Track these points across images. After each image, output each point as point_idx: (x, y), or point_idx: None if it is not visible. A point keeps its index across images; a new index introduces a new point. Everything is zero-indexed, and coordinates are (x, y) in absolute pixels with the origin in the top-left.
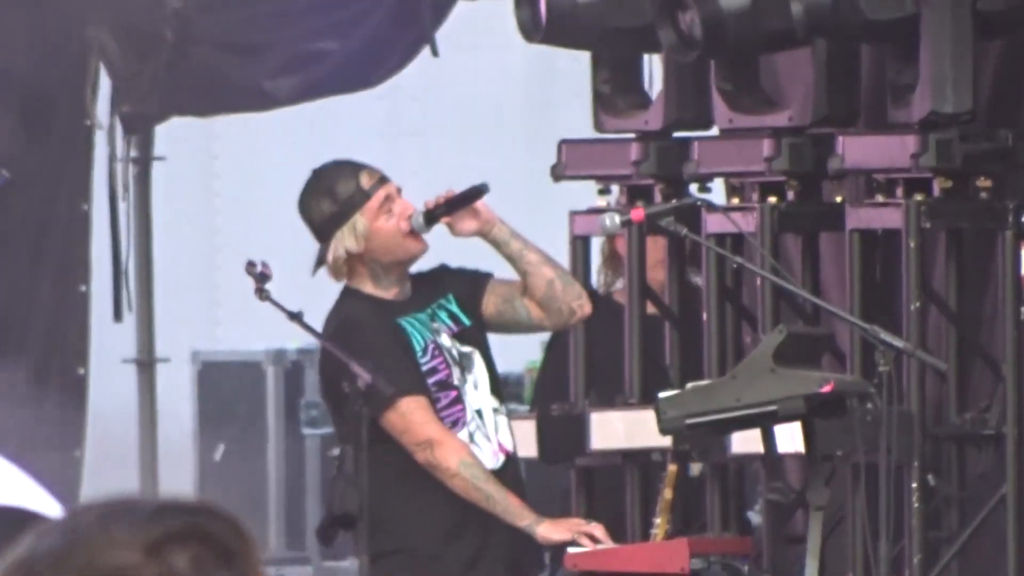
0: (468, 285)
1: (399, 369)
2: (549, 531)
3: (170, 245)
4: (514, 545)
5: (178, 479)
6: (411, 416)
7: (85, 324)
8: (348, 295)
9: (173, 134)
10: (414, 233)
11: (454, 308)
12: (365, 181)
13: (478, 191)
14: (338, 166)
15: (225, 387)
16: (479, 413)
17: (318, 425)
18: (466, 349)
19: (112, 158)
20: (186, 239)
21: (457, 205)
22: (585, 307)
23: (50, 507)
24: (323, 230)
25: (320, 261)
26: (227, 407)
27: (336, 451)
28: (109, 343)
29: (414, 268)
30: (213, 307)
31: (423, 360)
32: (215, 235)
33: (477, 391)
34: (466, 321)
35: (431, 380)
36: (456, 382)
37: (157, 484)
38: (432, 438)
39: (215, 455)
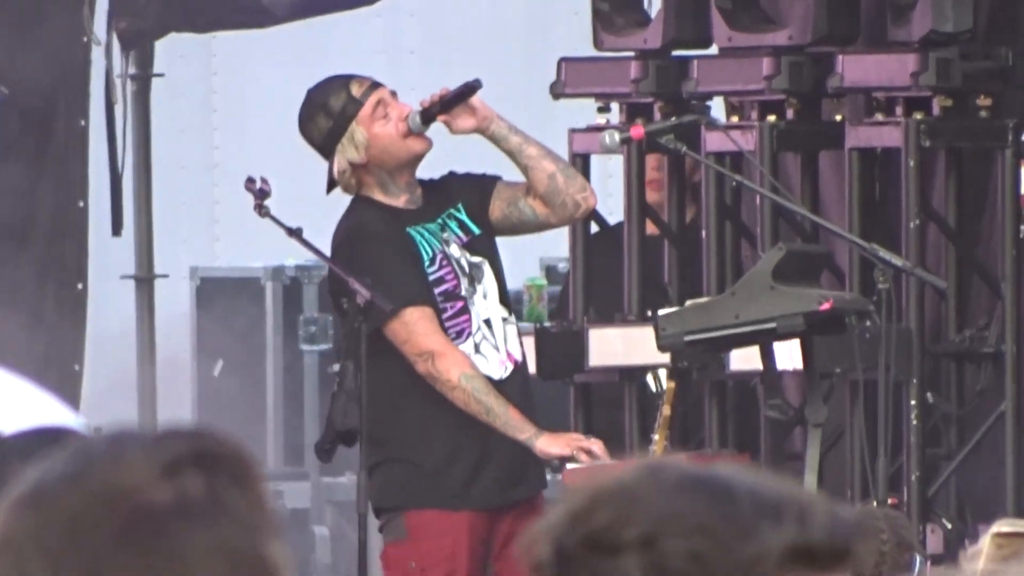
0: (476, 192)
1: (405, 278)
2: (547, 445)
3: (169, 162)
4: (515, 462)
5: (176, 395)
6: (414, 326)
7: (84, 239)
8: (359, 202)
9: (172, 51)
10: (413, 133)
11: (464, 217)
12: (356, 90)
13: (471, 87)
14: (328, 81)
15: (224, 303)
16: (488, 323)
17: (316, 341)
18: (476, 259)
19: (110, 74)
20: (185, 156)
21: (452, 103)
22: (590, 199)
23: (74, 421)
24: (325, 146)
25: (331, 180)
26: (226, 323)
27: (336, 367)
28: (108, 259)
29: (424, 175)
30: (211, 224)
31: (431, 270)
32: (213, 151)
33: (486, 301)
34: (476, 230)
35: (438, 290)
36: (464, 292)
37: (155, 400)
38: (433, 349)
39: (214, 371)
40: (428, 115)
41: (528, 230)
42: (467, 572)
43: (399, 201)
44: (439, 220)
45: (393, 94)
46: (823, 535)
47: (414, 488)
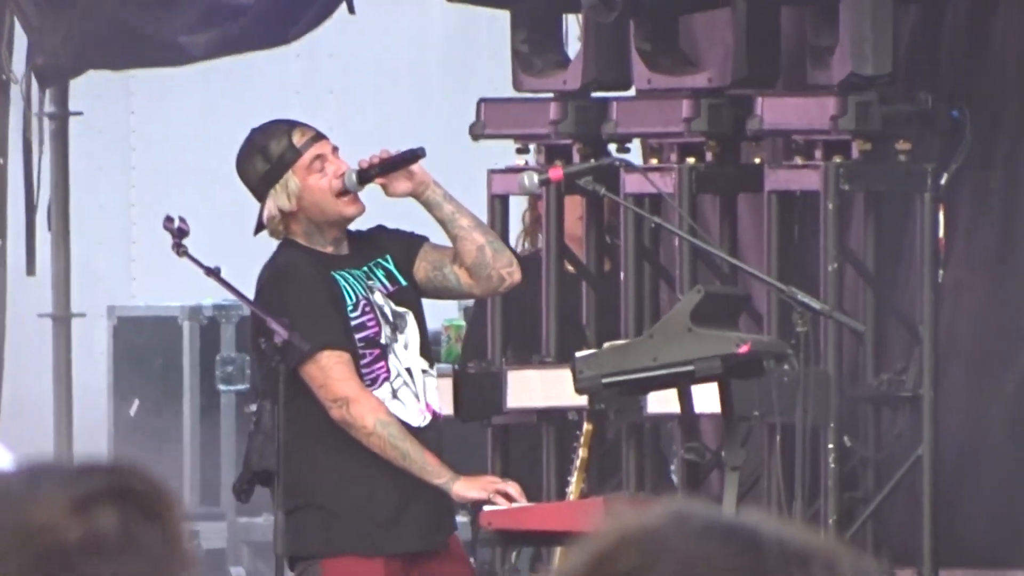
0: (403, 247)
1: (325, 321)
2: (464, 489)
3: (87, 200)
4: (432, 507)
5: (93, 434)
6: (330, 371)
7: (2, 278)
8: (286, 245)
9: (90, 89)
10: (347, 192)
11: (391, 267)
12: (297, 138)
13: (415, 155)
14: (272, 124)
15: (141, 342)
16: (409, 371)
17: (233, 382)
18: (400, 309)
19: (27, 112)
20: (102, 195)
21: (392, 167)
22: (515, 275)
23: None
24: (258, 189)
25: (260, 223)
26: (142, 362)
27: (254, 407)
28: (25, 298)
29: (353, 226)
30: (129, 262)
31: (353, 315)
32: (131, 190)
33: (407, 351)
34: (402, 281)
35: (358, 335)
36: (384, 340)
37: (72, 439)
38: (348, 395)
39: (130, 410)
40: (365, 176)
41: (450, 296)
42: None
43: (326, 249)
44: (366, 268)
45: (335, 149)
46: None
47: (330, 535)
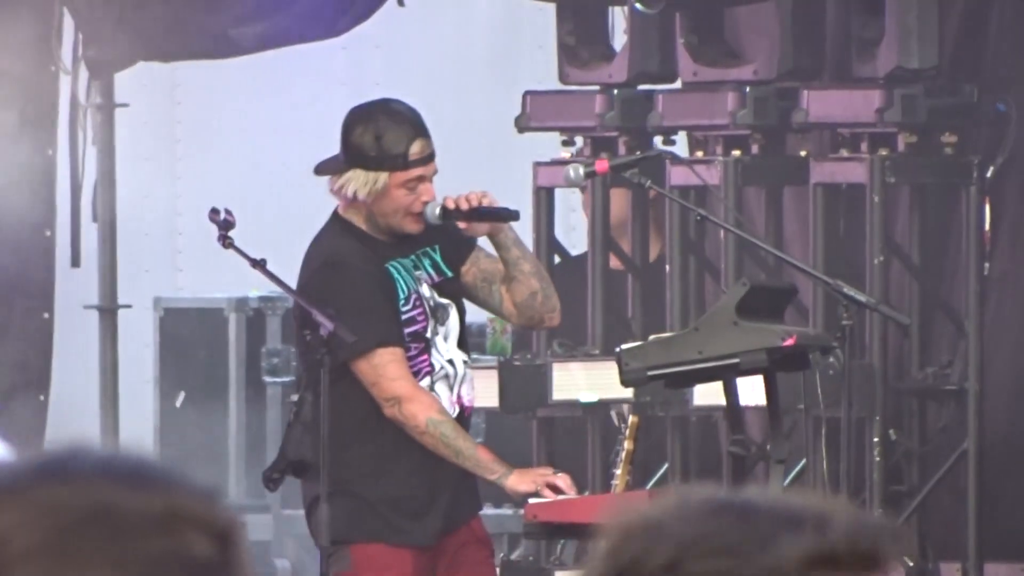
0: (454, 243)
1: (379, 317)
2: (517, 483)
3: (132, 192)
4: (458, 498)
5: (138, 426)
6: (382, 369)
7: (51, 268)
8: (338, 224)
9: (136, 81)
10: (418, 215)
11: (438, 258)
12: (414, 150)
13: (510, 216)
14: (403, 117)
15: (186, 334)
16: (450, 363)
17: (279, 373)
18: (444, 301)
19: (75, 104)
20: (149, 186)
21: (479, 218)
22: (555, 320)
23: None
24: (351, 156)
25: (328, 170)
26: (188, 354)
27: (295, 397)
28: (71, 289)
29: None
30: (175, 254)
31: (404, 308)
32: (177, 181)
33: (447, 343)
34: (448, 272)
35: (408, 330)
36: (428, 334)
37: (118, 431)
38: (400, 394)
39: (176, 402)
40: (448, 215)
41: (486, 309)
42: None
43: (379, 236)
44: (413, 256)
45: (434, 173)
46: (845, 540)
47: (360, 522)
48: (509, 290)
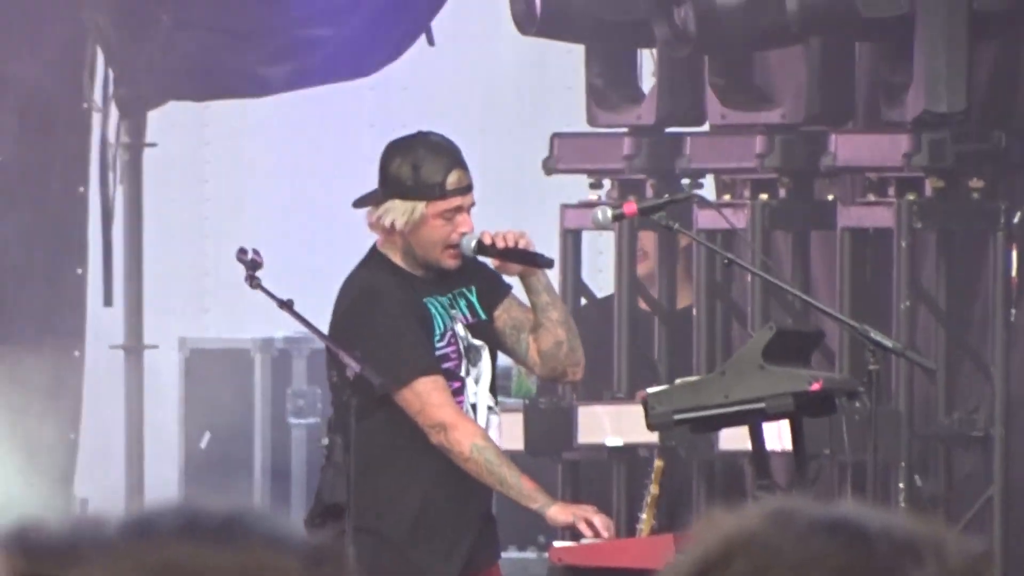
0: (489, 284)
1: (419, 346)
2: (558, 514)
3: (160, 231)
4: (479, 542)
5: (164, 466)
6: (426, 397)
7: (82, 306)
8: (376, 259)
9: (164, 120)
10: (456, 248)
11: (473, 299)
12: (452, 181)
13: (544, 263)
14: (440, 152)
15: (212, 375)
16: (474, 407)
17: (305, 415)
18: (477, 342)
19: (105, 142)
20: (175, 225)
21: (513, 258)
22: (578, 374)
23: None
24: (389, 187)
25: (366, 203)
26: (214, 395)
27: (325, 440)
28: (98, 328)
29: None
30: (201, 294)
31: (439, 344)
32: (204, 222)
33: (477, 386)
34: (482, 314)
35: (441, 366)
36: (461, 373)
37: (143, 471)
38: (445, 421)
39: (201, 443)
40: (485, 250)
41: (511, 357)
42: None
43: (416, 272)
44: (450, 295)
45: (471, 205)
46: (962, 568)
47: (379, 561)
48: (536, 338)
